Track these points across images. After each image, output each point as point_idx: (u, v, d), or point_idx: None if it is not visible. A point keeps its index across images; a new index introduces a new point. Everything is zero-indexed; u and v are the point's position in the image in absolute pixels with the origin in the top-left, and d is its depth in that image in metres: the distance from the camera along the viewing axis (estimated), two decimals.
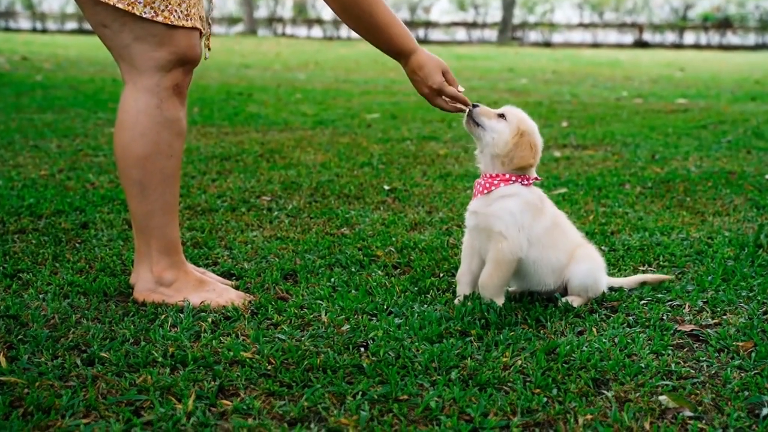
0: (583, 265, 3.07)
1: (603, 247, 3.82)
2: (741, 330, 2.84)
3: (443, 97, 3.16)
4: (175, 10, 2.84)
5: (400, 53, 3.14)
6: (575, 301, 3.07)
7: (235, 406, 2.23)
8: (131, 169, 2.92)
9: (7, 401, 2.21)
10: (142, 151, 2.90)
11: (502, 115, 3.06)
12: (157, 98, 2.89)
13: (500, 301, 3.00)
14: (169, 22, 2.82)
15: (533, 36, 37.33)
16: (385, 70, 16.95)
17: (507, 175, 3.02)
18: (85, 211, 4.35)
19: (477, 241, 3.06)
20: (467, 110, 3.11)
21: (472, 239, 3.09)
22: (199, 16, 2.99)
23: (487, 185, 3.02)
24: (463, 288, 3.12)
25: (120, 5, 2.78)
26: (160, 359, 2.50)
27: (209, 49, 3.19)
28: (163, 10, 2.82)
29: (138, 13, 2.79)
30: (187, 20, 2.88)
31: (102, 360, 2.49)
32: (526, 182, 3.03)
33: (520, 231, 2.97)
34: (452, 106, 3.17)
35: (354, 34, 38.64)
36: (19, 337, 2.64)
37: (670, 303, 3.13)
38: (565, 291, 3.13)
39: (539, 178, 3.12)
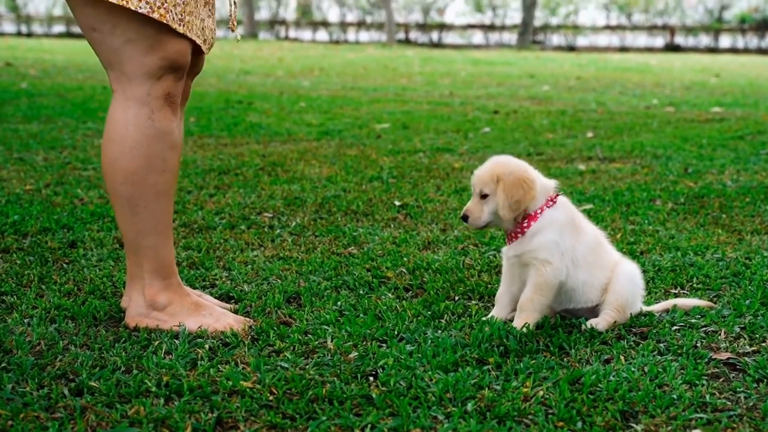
0: (624, 283, 3.15)
1: None
2: None
3: None
4: (171, 10, 2.87)
5: None
6: (600, 324, 3.09)
7: None
8: (120, 185, 2.94)
9: None
10: (132, 165, 2.92)
11: (484, 196, 3.10)
12: (149, 108, 2.91)
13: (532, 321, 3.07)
14: (165, 20, 2.85)
15: (556, 39, 37.36)
16: (395, 76, 17.00)
17: (532, 212, 3.08)
18: (74, 229, 4.37)
19: (518, 270, 3.16)
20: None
21: (512, 267, 3.18)
22: (201, 28, 3.02)
23: (519, 230, 3.11)
24: (499, 309, 3.19)
25: (113, 0, 2.81)
26: (153, 389, 2.51)
27: (233, 30, 3.24)
28: (159, 7, 2.84)
29: (133, 8, 2.81)
30: (180, 25, 2.90)
31: (91, 390, 2.50)
32: (551, 203, 3.09)
33: (564, 255, 3.08)
34: None
35: (362, 38, 38.11)
36: (3, 364, 2.66)
37: (704, 329, 3.13)
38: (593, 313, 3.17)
39: (558, 191, 3.15)
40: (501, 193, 3.04)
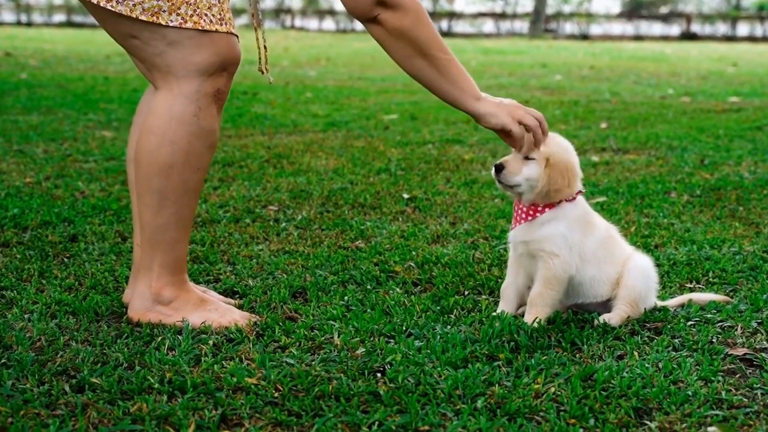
0: (637, 277, 3.15)
1: None
2: None
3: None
4: (206, 14, 2.89)
5: (468, 98, 3.07)
6: (613, 319, 3.09)
7: None
8: (154, 177, 2.96)
9: None
10: (170, 159, 2.94)
11: (529, 158, 3.06)
12: (196, 106, 2.93)
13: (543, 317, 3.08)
14: (200, 27, 2.87)
15: (569, 28, 37.31)
16: None
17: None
18: (75, 223, 4.38)
19: (525, 261, 3.16)
20: (493, 174, 3.09)
21: (519, 258, 3.18)
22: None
23: (531, 212, 3.10)
24: (506, 303, 3.19)
25: (143, 17, 2.83)
26: (156, 385, 2.51)
27: (265, 73, 3.24)
28: (191, 15, 2.87)
29: (164, 23, 2.84)
30: (221, 24, 2.93)
31: (93, 386, 2.51)
32: (572, 198, 3.10)
33: (572, 249, 3.08)
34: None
35: None
36: (2, 361, 2.67)
37: (720, 324, 3.13)
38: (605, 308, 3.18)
39: (583, 190, 3.16)
40: (545, 176, 3.02)
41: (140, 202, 3.01)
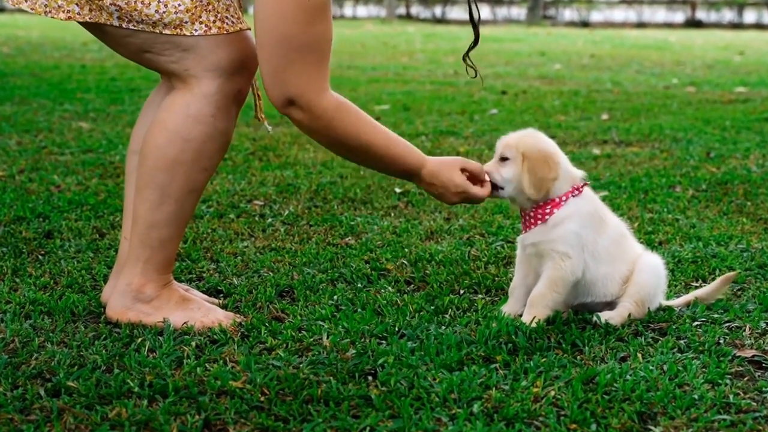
0: (647, 275, 3.17)
1: None
2: None
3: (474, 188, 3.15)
4: (226, 17, 2.93)
5: (410, 172, 3.16)
6: (615, 318, 3.10)
7: None
8: (159, 172, 2.96)
9: None
10: (179, 156, 2.95)
11: (504, 158, 3.14)
12: (214, 107, 2.95)
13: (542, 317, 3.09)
14: (225, 32, 2.90)
15: (568, 14, 37.33)
16: (396, 54, 16.99)
17: (556, 198, 3.10)
18: (50, 218, 4.37)
19: (533, 261, 3.17)
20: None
21: (527, 257, 3.19)
22: None
23: (540, 216, 3.11)
24: (514, 303, 3.21)
25: (167, 31, 2.86)
26: (136, 389, 2.51)
27: (261, 121, 3.30)
28: (214, 21, 2.90)
29: (188, 34, 2.87)
30: (242, 22, 2.97)
31: (69, 390, 2.50)
32: (577, 192, 3.12)
33: (584, 249, 3.10)
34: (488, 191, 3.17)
35: (360, 13, 38.22)
36: None
37: (727, 324, 3.14)
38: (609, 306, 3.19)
39: (587, 182, 3.17)
40: (525, 172, 3.06)
41: (139, 196, 3.01)
